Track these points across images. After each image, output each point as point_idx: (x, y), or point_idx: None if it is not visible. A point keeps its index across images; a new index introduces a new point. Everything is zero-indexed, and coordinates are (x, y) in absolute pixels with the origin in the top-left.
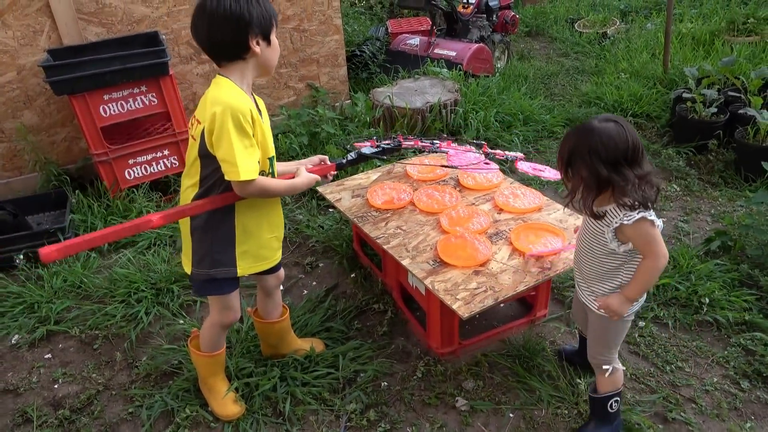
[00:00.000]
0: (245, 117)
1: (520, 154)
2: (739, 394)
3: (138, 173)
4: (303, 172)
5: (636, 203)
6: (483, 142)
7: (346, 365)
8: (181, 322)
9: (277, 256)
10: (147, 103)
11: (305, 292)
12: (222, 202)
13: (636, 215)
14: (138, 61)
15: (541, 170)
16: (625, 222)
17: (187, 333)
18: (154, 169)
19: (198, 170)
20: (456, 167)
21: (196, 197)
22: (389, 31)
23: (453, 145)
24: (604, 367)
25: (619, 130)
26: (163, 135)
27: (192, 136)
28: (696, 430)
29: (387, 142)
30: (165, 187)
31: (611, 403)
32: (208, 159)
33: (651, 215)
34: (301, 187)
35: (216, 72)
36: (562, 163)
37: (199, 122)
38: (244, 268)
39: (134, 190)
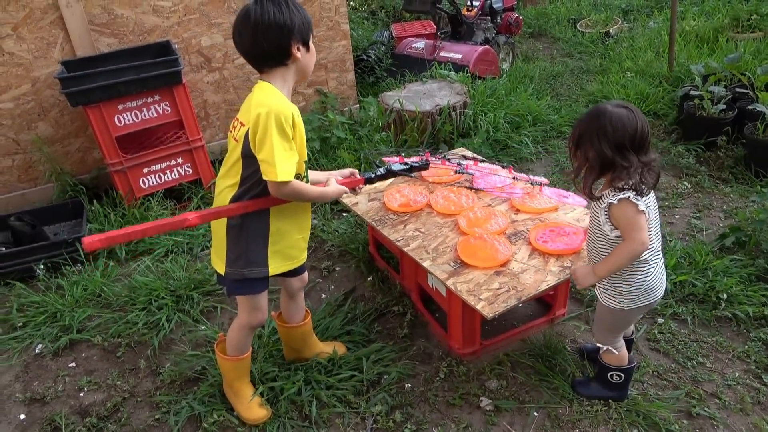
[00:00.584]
0: (287, 121)
1: (544, 180)
2: (762, 388)
3: (153, 182)
4: (333, 182)
5: (627, 186)
6: (509, 165)
7: (370, 367)
8: (203, 328)
9: (304, 257)
10: (161, 112)
11: (323, 296)
12: (256, 206)
13: (621, 195)
14: (152, 70)
15: (565, 197)
16: (612, 201)
17: (209, 339)
18: (168, 178)
19: (239, 171)
20: (482, 189)
21: (234, 197)
22: (393, 35)
23: (480, 165)
24: (599, 345)
25: (629, 116)
26: (176, 143)
27: (234, 138)
28: (720, 424)
29: (415, 159)
30: (179, 195)
31: (612, 374)
32: (250, 159)
33: (638, 200)
34: (332, 196)
35: (227, 78)
36: (572, 143)
37: (242, 124)
38: (274, 267)
39: (149, 198)
